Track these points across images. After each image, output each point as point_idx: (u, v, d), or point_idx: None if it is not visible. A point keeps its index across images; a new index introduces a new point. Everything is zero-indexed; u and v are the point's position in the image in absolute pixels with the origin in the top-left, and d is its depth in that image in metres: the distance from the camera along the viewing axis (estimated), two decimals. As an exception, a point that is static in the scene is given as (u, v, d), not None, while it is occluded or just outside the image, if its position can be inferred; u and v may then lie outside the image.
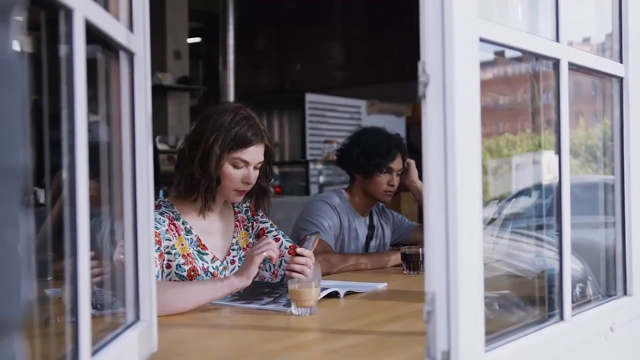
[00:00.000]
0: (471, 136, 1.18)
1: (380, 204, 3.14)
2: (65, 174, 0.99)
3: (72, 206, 0.98)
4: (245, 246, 2.32)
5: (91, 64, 1.05)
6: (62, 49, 0.98)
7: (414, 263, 2.60)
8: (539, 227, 1.89)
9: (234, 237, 2.31)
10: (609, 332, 1.63)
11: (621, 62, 1.76)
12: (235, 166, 2.16)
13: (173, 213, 2.17)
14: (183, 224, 2.19)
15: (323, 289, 2.00)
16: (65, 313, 1.42)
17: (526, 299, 1.68)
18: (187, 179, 2.17)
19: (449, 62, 1.14)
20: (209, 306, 1.94)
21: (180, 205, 2.22)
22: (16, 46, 0.57)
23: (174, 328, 1.71)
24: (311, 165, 7.38)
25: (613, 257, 1.81)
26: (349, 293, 2.13)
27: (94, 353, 1.05)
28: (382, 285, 2.30)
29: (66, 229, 0.98)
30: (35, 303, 1.10)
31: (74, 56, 0.98)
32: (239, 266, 2.25)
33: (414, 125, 8.13)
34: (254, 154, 2.17)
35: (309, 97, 8.05)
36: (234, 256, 2.29)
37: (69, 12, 0.97)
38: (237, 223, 2.34)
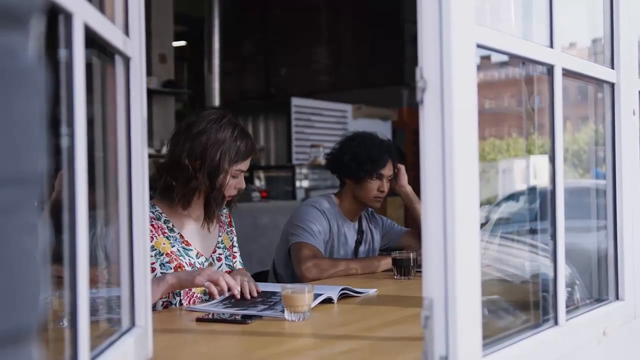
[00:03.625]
0: (469, 141, 1.18)
1: (370, 209, 3.14)
2: (58, 179, 0.98)
3: (72, 211, 0.97)
4: (228, 247, 2.40)
5: (86, 68, 1.05)
6: (61, 53, 0.97)
7: (404, 268, 2.59)
8: (530, 232, 1.90)
9: (219, 236, 2.38)
10: (602, 336, 1.64)
11: (612, 68, 1.77)
12: (234, 177, 2.26)
13: (153, 213, 2.20)
14: (165, 222, 2.23)
15: (317, 295, 2.00)
16: (57, 319, 1.41)
17: (518, 304, 1.69)
18: (191, 192, 2.21)
19: (446, 67, 1.14)
20: (203, 313, 1.93)
21: (165, 206, 2.27)
22: (35, 53, 0.57)
23: (168, 334, 1.70)
24: (297, 170, 7.35)
25: (604, 262, 1.82)
26: (343, 295, 2.15)
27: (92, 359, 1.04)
28: (372, 291, 2.30)
29: (65, 235, 0.97)
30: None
31: (73, 60, 0.97)
32: (226, 264, 2.36)
33: (400, 129, 8.15)
34: (249, 162, 2.30)
35: (295, 102, 8.03)
36: (219, 254, 2.36)
37: (68, 17, 0.96)
38: (221, 224, 2.42)
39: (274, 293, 2.13)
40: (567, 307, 1.54)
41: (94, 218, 1.35)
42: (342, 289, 2.15)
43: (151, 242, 2.14)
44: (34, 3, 0.56)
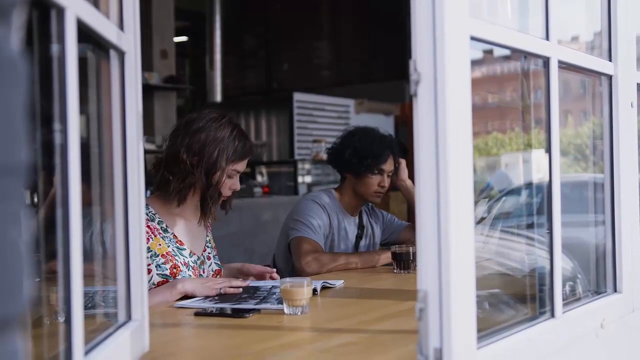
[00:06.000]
0: (463, 134, 1.18)
1: (370, 203, 3.14)
2: (56, 175, 0.98)
3: (65, 207, 0.97)
4: (213, 246, 2.45)
5: (81, 63, 1.05)
6: (54, 48, 0.97)
7: (404, 262, 2.60)
8: (529, 226, 1.90)
9: (207, 236, 2.42)
10: (599, 328, 1.64)
11: (610, 60, 1.77)
12: (230, 176, 2.28)
13: (147, 214, 2.21)
14: (158, 223, 2.26)
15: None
16: (53, 313, 1.41)
17: (517, 297, 1.69)
18: (187, 187, 2.24)
19: (440, 60, 1.14)
20: (199, 308, 1.93)
21: (158, 205, 2.29)
22: (17, 45, 0.57)
23: (165, 328, 1.70)
24: (299, 165, 7.36)
25: (603, 255, 1.82)
26: (324, 288, 2.20)
27: (86, 353, 1.04)
28: (340, 282, 2.34)
29: (58, 231, 0.97)
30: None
31: (65, 55, 0.97)
32: (215, 262, 2.40)
33: (402, 124, 8.15)
34: (245, 164, 2.33)
35: (297, 97, 8.03)
36: (209, 253, 2.40)
37: (60, 11, 0.96)
38: (209, 224, 2.46)
39: (257, 288, 2.15)
40: (567, 300, 1.54)
41: (90, 215, 1.36)
42: (323, 285, 2.20)
43: (147, 243, 2.15)
44: None
